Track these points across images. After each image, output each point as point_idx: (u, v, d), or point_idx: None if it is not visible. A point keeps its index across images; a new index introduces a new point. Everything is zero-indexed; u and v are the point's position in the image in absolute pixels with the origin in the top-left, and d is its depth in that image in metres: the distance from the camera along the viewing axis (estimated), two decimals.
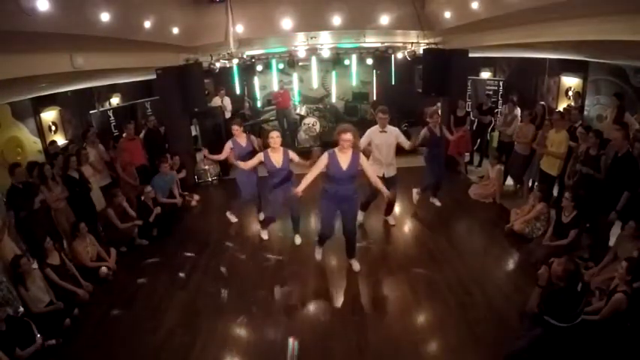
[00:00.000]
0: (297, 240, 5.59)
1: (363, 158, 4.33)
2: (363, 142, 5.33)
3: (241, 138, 5.79)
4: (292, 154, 5.06)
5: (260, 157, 5.03)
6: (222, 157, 5.82)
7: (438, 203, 6.60)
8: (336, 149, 4.27)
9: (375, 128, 5.42)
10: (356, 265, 4.89)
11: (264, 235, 5.74)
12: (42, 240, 4.51)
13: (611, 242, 4.54)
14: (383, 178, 5.41)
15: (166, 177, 6.67)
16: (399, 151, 5.65)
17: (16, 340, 3.56)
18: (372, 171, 4.46)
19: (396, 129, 5.53)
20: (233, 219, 6.20)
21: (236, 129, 5.77)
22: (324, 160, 4.26)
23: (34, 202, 4.83)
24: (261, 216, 6.23)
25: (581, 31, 4.06)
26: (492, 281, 4.63)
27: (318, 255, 5.02)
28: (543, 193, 5.59)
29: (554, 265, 3.26)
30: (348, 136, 4.13)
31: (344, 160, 4.24)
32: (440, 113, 6.51)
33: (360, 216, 5.85)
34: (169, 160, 7.12)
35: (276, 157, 4.98)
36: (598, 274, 4.22)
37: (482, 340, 3.69)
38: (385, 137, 5.39)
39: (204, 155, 6.18)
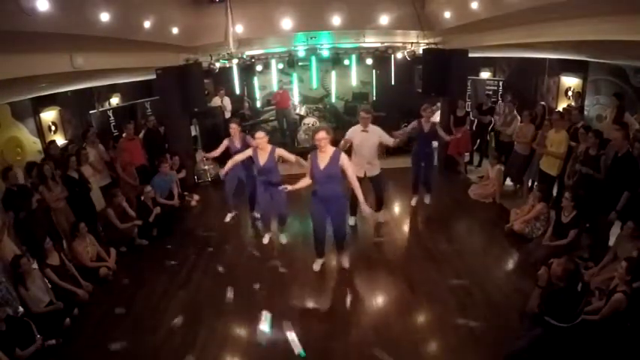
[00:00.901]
0: (283, 239, 5.66)
1: (344, 158, 4.30)
2: (342, 142, 5.38)
3: (237, 138, 5.78)
4: (280, 151, 5.06)
5: (249, 152, 5.10)
6: (217, 152, 5.88)
7: (426, 201, 6.56)
8: (318, 150, 4.36)
9: (357, 127, 5.42)
10: (345, 262, 4.92)
11: (265, 240, 5.71)
12: (41, 240, 4.50)
13: (611, 242, 4.54)
14: (365, 178, 5.43)
15: (166, 177, 6.68)
16: (397, 151, 5.66)
17: (16, 340, 3.56)
18: (353, 172, 4.37)
19: (379, 128, 5.46)
20: (227, 218, 6.23)
21: (233, 127, 5.78)
22: (308, 161, 4.43)
23: (31, 202, 4.82)
24: (228, 217, 6.27)
25: (581, 31, 4.06)
26: (492, 281, 4.63)
27: (316, 266, 4.94)
28: (543, 193, 5.60)
29: (553, 265, 3.26)
30: (321, 134, 4.22)
31: (323, 160, 4.31)
32: (433, 110, 6.52)
33: (352, 220, 5.88)
34: (169, 160, 7.12)
35: (262, 155, 5.02)
36: (598, 274, 4.22)
37: (482, 340, 3.69)
38: (366, 136, 5.37)
39: (203, 156, 6.15)
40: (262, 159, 5.03)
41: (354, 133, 5.40)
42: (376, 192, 5.82)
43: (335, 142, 4.43)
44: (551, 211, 5.44)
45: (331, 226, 4.68)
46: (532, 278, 4.36)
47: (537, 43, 5.13)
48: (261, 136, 4.94)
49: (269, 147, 5.04)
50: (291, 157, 5.10)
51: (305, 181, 4.47)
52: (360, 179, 5.32)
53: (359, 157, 5.42)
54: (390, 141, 5.49)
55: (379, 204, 5.95)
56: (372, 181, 5.60)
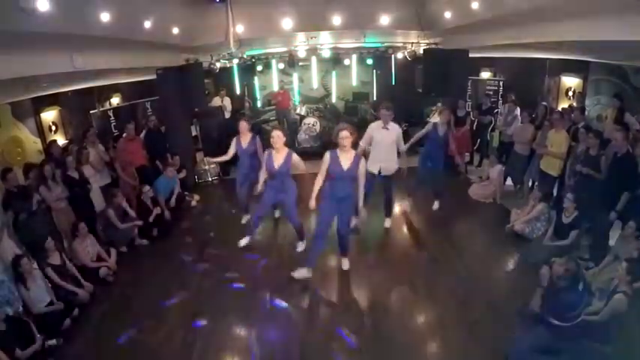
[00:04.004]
0: (300, 247, 5.34)
1: (363, 162, 4.36)
2: (365, 138, 5.40)
3: (245, 138, 5.61)
4: (296, 158, 4.77)
5: (264, 159, 4.82)
6: (227, 157, 5.71)
7: (435, 206, 6.41)
8: (337, 150, 4.34)
9: (377, 124, 5.43)
10: (345, 264, 4.90)
11: (243, 242, 5.23)
12: (42, 241, 4.50)
13: (611, 242, 4.54)
14: (379, 175, 5.47)
15: (170, 179, 6.69)
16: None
17: (16, 340, 3.56)
18: (363, 176, 4.38)
19: (398, 127, 5.46)
20: (243, 220, 6.21)
21: (243, 126, 5.62)
22: (326, 160, 4.34)
23: (32, 203, 4.82)
24: (244, 219, 6.16)
25: (581, 31, 4.07)
26: (493, 281, 4.63)
27: (302, 273, 4.71)
28: (543, 193, 5.59)
29: (555, 265, 3.27)
30: (345, 133, 4.23)
31: (345, 160, 4.30)
32: (450, 112, 6.46)
33: (388, 222, 5.95)
34: (170, 159, 7.13)
35: (278, 157, 4.70)
36: (599, 274, 4.21)
37: (482, 340, 3.69)
38: (387, 133, 5.36)
39: (209, 160, 5.96)
40: (277, 162, 4.68)
41: (375, 129, 5.40)
42: (387, 194, 5.77)
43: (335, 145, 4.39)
44: (551, 211, 5.43)
45: (338, 223, 4.60)
46: (532, 278, 4.38)
47: (538, 43, 5.14)
48: (277, 135, 4.68)
49: (285, 149, 4.75)
50: (303, 166, 4.84)
51: (319, 183, 4.44)
52: (372, 176, 5.41)
53: (377, 152, 5.43)
54: (402, 147, 5.48)
55: (389, 208, 5.92)
56: (385, 179, 5.57)
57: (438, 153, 6.17)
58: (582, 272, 3.49)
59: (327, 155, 4.35)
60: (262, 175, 4.91)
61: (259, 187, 4.96)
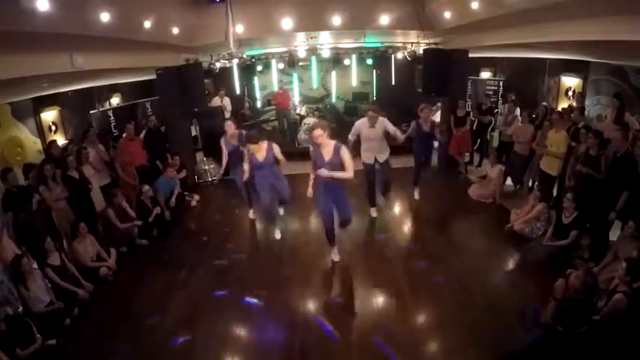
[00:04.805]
0: (277, 234, 5.73)
1: (343, 150, 4.51)
2: (352, 133, 5.69)
3: (233, 137, 5.91)
4: (276, 147, 5.23)
5: (246, 158, 5.21)
6: (225, 159, 5.99)
7: (416, 196, 6.72)
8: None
9: (364, 121, 5.66)
10: (336, 256, 5.06)
11: (277, 235, 5.74)
12: (42, 240, 4.50)
13: (611, 242, 4.54)
14: (376, 162, 5.80)
15: (170, 180, 6.70)
16: (397, 151, 5.70)
17: (17, 340, 3.56)
18: (350, 162, 4.52)
19: (383, 119, 5.66)
20: (251, 215, 6.45)
21: (229, 125, 5.93)
22: (312, 153, 4.64)
23: (32, 203, 4.81)
24: (251, 213, 6.42)
25: (581, 32, 4.06)
26: (492, 281, 4.63)
27: (335, 257, 5.06)
28: (543, 193, 5.59)
29: (571, 277, 3.22)
30: (317, 132, 4.44)
31: (326, 152, 4.52)
32: (432, 110, 6.75)
33: (373, 212, 6.20)
34: (170, 159, 7.11)
35: (260, 152, 5.13)
36: (599, 274, 4.21)
37: (481, 341, 3.68)
38: (374, 129, 5.62)
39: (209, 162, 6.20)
40: (261, 155, 5.14)
41: (362, 126, 5.66)
42: (386, 176, 5.97)
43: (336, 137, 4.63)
44: (551, 211, 5.43)
45: (338, 212, 4.84)
46: (532, 278, 4.40)
47: (538, 43, 5.13)
48: (263, 142, 5.11)
49: (265, 143, 5.18)
50: (281, 157, 5.29)
51: (313, 173, 4.69)
52: (371, 166, 5.80)
53: (368, 146, 5.72)
54: (393, 130, 5.68)
55: (387, 187, 6.12)
56: (383, 164, 5.81)
57: (425, 149, 6.56)
58: (598, 285, 3.42)
59: (311, 149, 4.64)
60: (247, 167, 5.22)
61: (246, 174, 5.29)
